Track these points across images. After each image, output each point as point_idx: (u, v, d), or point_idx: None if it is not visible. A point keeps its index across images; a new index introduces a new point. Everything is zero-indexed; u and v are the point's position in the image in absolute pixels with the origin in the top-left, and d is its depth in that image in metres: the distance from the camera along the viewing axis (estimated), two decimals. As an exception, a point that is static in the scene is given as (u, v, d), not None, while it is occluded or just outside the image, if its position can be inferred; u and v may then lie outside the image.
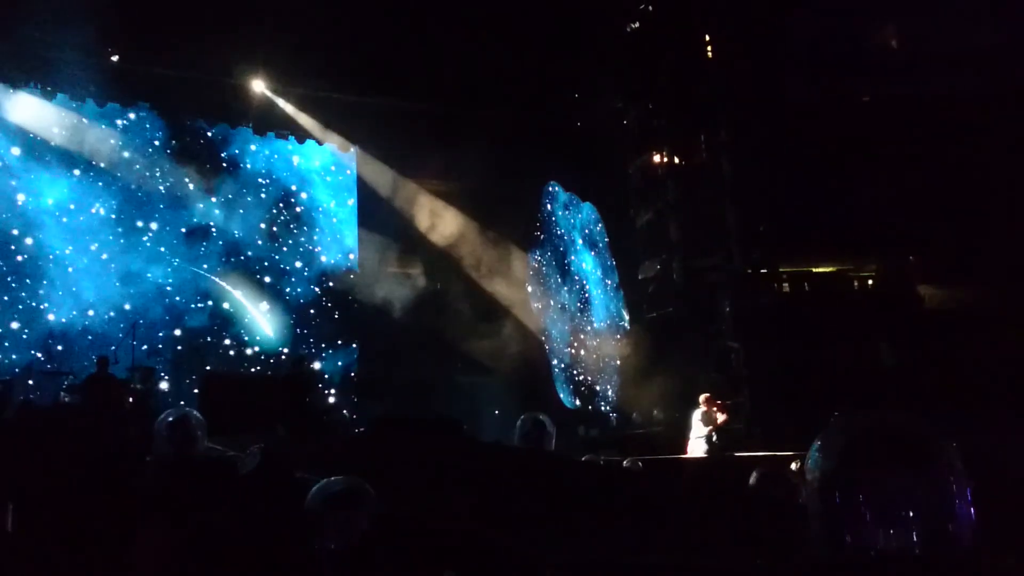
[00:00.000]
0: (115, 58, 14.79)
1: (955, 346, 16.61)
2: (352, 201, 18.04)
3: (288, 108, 16.68)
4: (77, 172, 15.66)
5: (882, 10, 19.31)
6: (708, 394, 12.89)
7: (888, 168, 17.91)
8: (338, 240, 17.89)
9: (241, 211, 16.85)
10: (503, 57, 15.97)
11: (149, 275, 15.80)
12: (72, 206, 15.51)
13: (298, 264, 17.33)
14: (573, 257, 19.41)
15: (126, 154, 16.05)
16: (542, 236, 19.04)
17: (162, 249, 16.11)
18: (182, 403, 13.07)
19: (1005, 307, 17.30)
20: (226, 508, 3.85)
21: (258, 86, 16.11)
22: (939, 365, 15.81)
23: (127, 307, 15.41)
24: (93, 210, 15.70)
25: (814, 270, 21.27)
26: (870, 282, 21.54)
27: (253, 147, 17.26)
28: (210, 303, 16.40)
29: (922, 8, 18.86)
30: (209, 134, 16.85)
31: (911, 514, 1.56)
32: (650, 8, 17.99)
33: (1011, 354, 15.59)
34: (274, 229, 17.15)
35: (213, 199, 16.68)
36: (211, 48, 14.68)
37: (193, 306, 16.25)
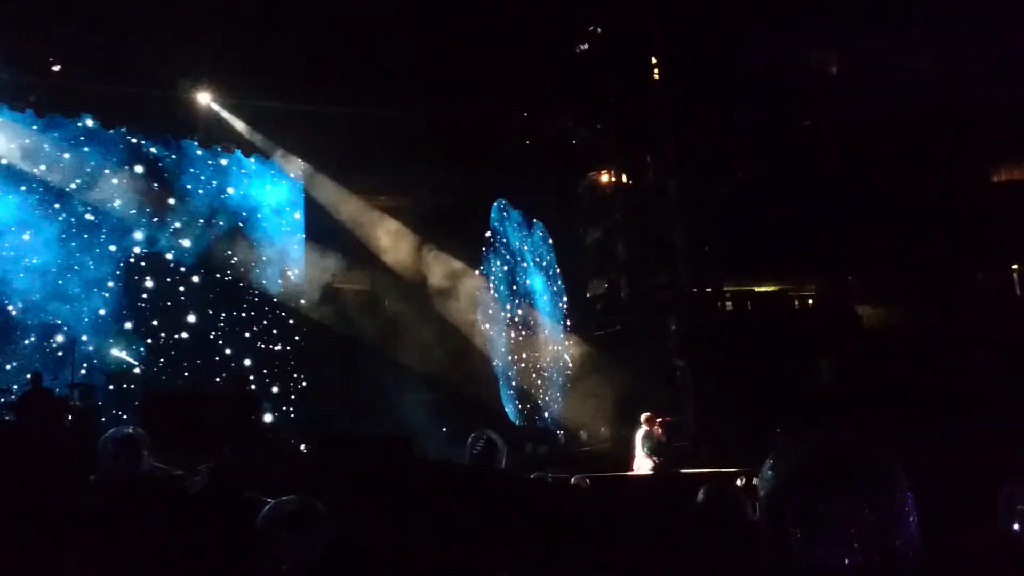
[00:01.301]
0: (56, 68, 14.48)
1: (891, 363, 17.06)
2: (299, 215, 17.87)
3: (235, 122, 16.49)
4: (23, 188, 15.27)
5: (824, 37, 19.85)
6: (649, 413, 12.99)
7: (827, 190, 18.39)
8: (284, 255, 17.68)
9: (185, 227, 16.55)
10: (454, 73, 16.04)
11: (94, 291, 15.43)
12: (13, 227, 15.11)
13: (241, 279, 17.05)
14: (521, 274, 19.49)
15: (63, 170, 15.64)
16: (491, 253, 19.08)
17: (97, 266, 15.72)
18: (125, 418, 12.80)
19: (939, 325, 17.85)
20: (175, 528, 3.78)
21: (204, 99, 15.90)
22: (876, 381, 16.22)
23: (65, 327, 15.01)
24: (33, 230, 15.27)
25: (757, 289, 21.71)
26: (810, 301, 22.07)
27: (198, 161, 16.98)
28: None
29: (861, 35, 19.44)
30: (152, 151, 16.52)
31: (860, 531, 1.62)
32: (599, 31, 18.26)
33: (944, 371, 16.09)
34: (219, 244, 16.85)
35: (156, 219, 16.34)
36: (156, 60, 14.45)
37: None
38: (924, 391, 15.45)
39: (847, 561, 1.59)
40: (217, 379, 16.05)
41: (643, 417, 12.87)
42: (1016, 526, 5.46)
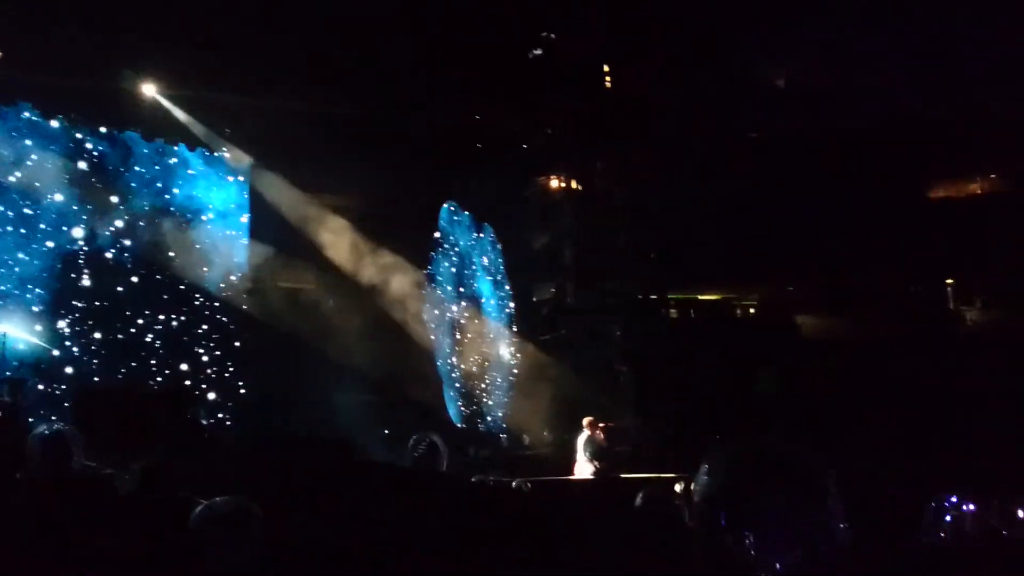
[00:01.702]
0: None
1: (829, 372, 17.47)
2: (245, 217, 17.57)
3: (179, 114, 16.16)
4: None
5: (772, 49, 20.25)
6: (591, 417, 13.11)
7: (770, 202, 18.78)
8: (227, 254, 17.35)
9: (126, 224, 16.14)
10: (404, 73, 15.98)
11: (28, 286, 14.97)
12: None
13: (185, 278, 16.69)
14: (469, 277, 19.46)
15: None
16: (438, 255, 19.02)
17: (34, 259, 15.27)
18: (54, 418, 12.41)
19: (875, 336, 18.35)
20: (106, 529, 3.69)
21: (148, 90, 15.55)
22: (814, 390, 16.59)
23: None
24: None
25: (700, 297, 22.06)
26: (752, 310, 22.50)
27: (141, 156, 16.56)
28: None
29: (811, 48, 19.87)
30: (95, 145, 16.07)
31: (790, 535, 1.65)
32: (553, 37, 18.38)
33: (879, 380, 16.52)
34: (160, 242, 16.45)
35: (96, 215, 15.88)
36: (99, 48, 14.09)
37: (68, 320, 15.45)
38: (859, 400, 15.84)
39: (778, 564, 1.63)
40: (154, 380, 15.69)
41: (585, 421, 13.00)
42: (943, 534, 5.63)
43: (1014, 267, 17.69)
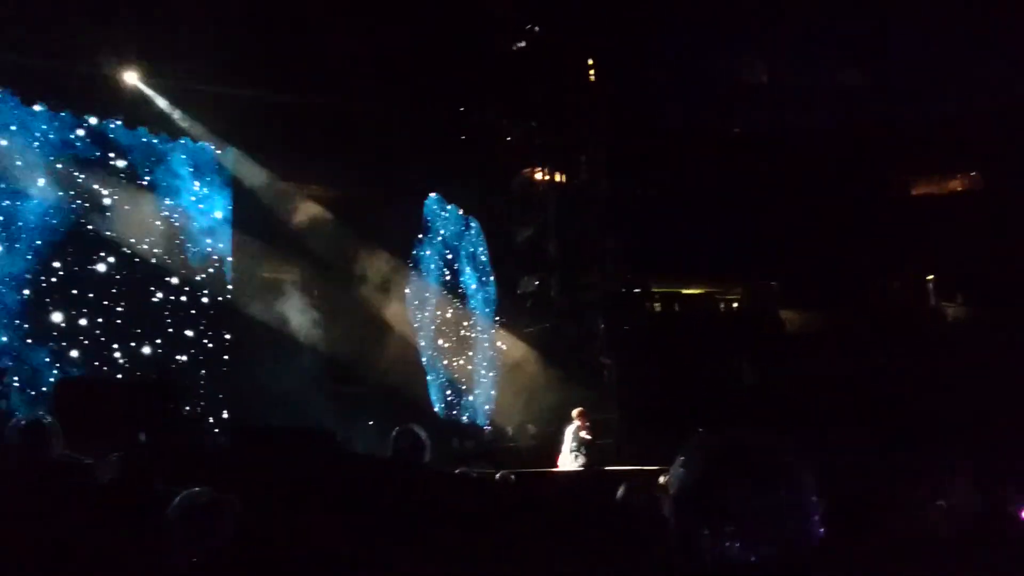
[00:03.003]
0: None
1: (811, 366, 17.57)
2: (226, 203, 17.46)
3: (162, 103, 16.02)
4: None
5: (754, 47, 20.34)
6: (582, 408, 13.15)
7: (754, 196, 18.87)
8: (211, 244, 17.25)
9: (111, 213, 16.00)
10: (388, 64, 15.90)
11: (8, 273, 14.85)
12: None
13: (168, 268, 16.59)
14: (453, 269, 19.46)
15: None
16: (422, 246, 19.00)
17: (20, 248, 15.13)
18: (36, 408, 12.32)
19: (856, 331, 18.48)
20: (82, 518, 3.67)
21: (130, 77, 15.40)
22: (796, 384, 16.69)
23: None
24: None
25: (684, 291, 22.13)
26: (735, 304, 22.59)
27: (123, 144, 16.43)
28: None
29: (789, 47, 19.97)
30: (71, 135, 15.91)
31: (765, 528, 1.66)
32: (536, 29, 18.34)
33: (861, 375, 16.65)
34: (142, 231, 16.32)
35: (80, 201, 15.74)
36: (80, 34, 13.93)
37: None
38: (841, 394, 15.95)
39: (752, 557, 1.64)
40: (135, 370, 15.61)
41: (575, 412, 12.99)
42: (922, 528, 5.68)
43: (995, 263, 17.85)
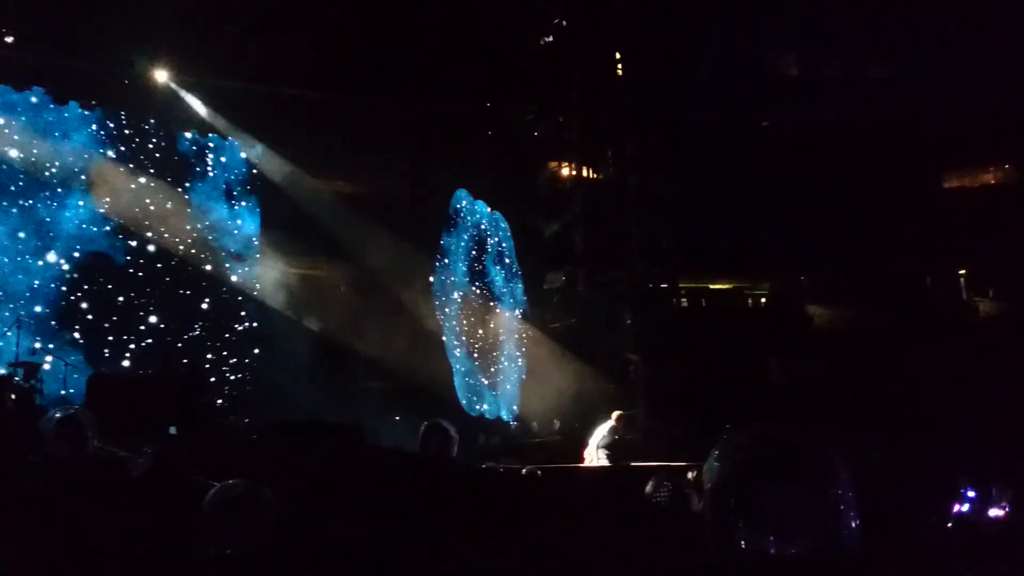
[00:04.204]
0: (9, 39, 14.10)
1: (839, 362, 17.42)
2: (255, 200, 17.60)
3: (192, 101, 16.20)
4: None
5: (783, 40, 20.14)
6: (621, 412, 12.82)
7: (783, 191, 18.69)
8: (240, 239, 17.41)
9: (140, 210, 16.18)
10: (416, 60, 15.94)
11: (41, 265, 15.08)
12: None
13: (198, 266, 16.77)
14: (479, 264, 19.46)
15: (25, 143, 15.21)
16: (448, 242, 19.03)
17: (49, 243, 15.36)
18: (68, 400, 12.51)
19: (886, 327, 18.27)
20: (118, 510, 3.72)
21: (161, 76, 15.59)
22: (825, 379, 16.55)
23: (10, 304, 14.64)
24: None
25: (711, 287, 22.02)
26: (763, 300, 22.43)
27: (153, 144, 16.60)
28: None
29: (819, 41, 19.75)
30: (103, 132, 16.11)
31: (800, 523, 1.65)
32: (564, 24, 18.29)
33: (890, 370, 16.47)
34: (174, 229, 16.50)
35: (109, 198, 15.94)
36: (114, 36, 14.13)
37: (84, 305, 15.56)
38: (870, 390, 15.80)
39: (788, 552, 1.63)
40: (167, 365, 15.78)
41: (616, 414, 12.66)
42: (956, 523, 5.62)
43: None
